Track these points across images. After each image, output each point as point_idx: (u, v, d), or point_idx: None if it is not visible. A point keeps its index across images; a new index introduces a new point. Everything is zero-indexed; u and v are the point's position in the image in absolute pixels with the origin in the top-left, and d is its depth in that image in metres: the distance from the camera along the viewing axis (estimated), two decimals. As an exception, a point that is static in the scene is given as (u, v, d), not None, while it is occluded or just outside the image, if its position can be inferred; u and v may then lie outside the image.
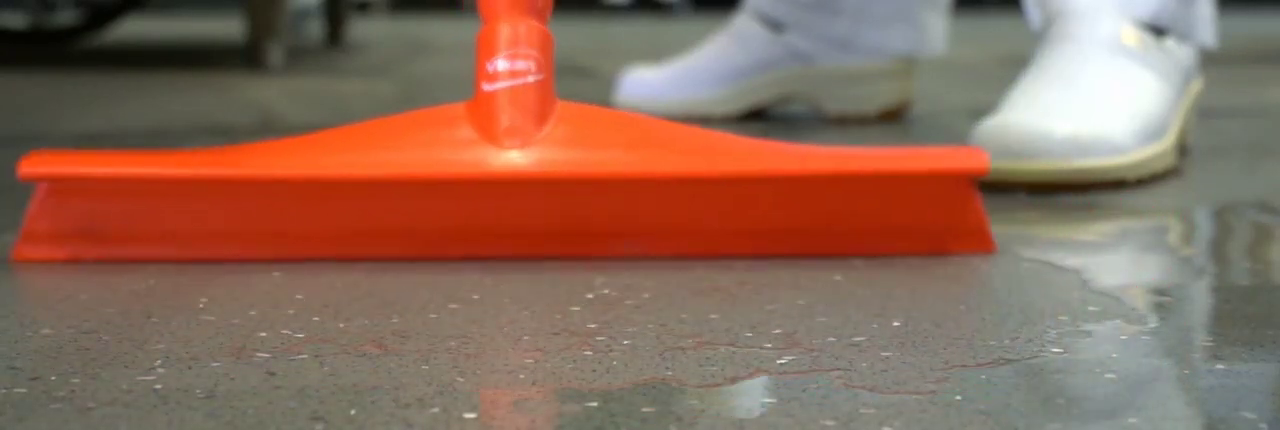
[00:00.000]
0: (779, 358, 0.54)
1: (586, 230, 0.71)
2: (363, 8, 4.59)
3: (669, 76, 1.41)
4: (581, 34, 3.33)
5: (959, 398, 0.49)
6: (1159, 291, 0.66)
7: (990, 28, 3.09)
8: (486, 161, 0.68)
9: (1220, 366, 0.53)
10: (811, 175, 0.70)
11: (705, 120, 1.38)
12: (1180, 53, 1.05)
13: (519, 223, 0.71)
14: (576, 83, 1.82)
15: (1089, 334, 0.58)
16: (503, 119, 0.69)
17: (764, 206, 0.71)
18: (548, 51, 0.71)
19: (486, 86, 0.70)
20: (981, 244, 0.72)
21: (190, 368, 0.53)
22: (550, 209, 0.70)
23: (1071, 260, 0.73)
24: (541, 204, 0.70)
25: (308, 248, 0.71)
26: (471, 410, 0.48)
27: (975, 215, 0.72)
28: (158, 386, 0.51)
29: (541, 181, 0.69)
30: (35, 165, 0.68)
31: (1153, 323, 0.60)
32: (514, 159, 0.69)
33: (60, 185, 0.69)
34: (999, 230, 0.83)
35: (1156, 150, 0.98)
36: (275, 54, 2.10)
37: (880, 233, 0.71)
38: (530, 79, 0.70)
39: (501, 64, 0.70)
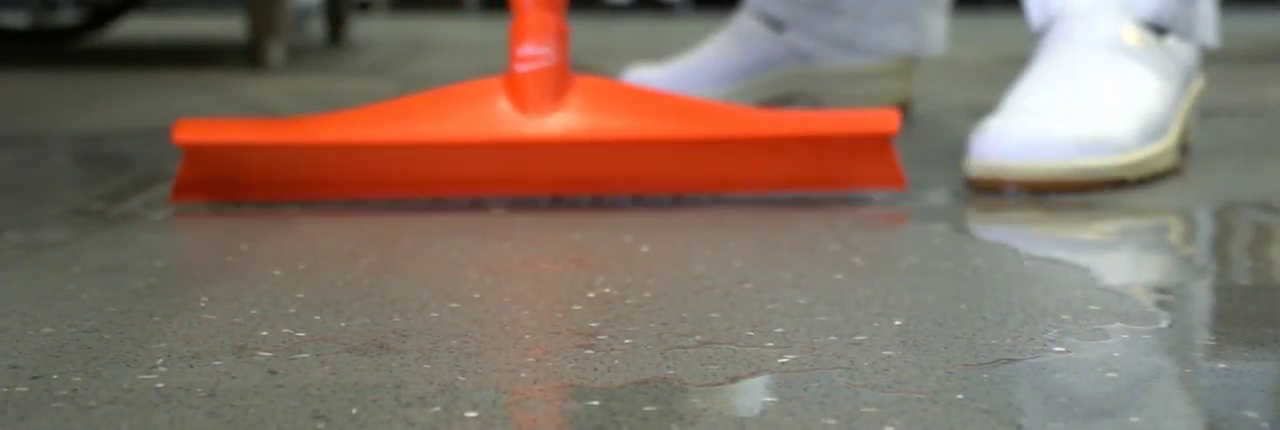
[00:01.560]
0: (780, 357, 0.54)
1: (593, 177, 0.91)
2: (363, 7, 4.59)
3: (670, 75, 1.41)
4: (583, 33, 3.32)
5: (960, 397, 0.49)
6: (1160, 290, 0.66)
7: (991, 27, 3.09)
8: (521, 128, 0.88)
9: (1222, 365, 0.53)
10: (761, 137, 0.89)
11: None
12: (1181, 52, 1.05)
13: (545, 172, 0.91)
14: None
15: (1090, 333, 0.58)
16: (531, 94, 0.89)
17: (723, 157, 0.90)
18: (563, 39, 0.90)
19: (519, 67, 0.89)
20: (894, 182, 0.91)
21: (192, 366, 0.53)
22: (567, 161, 0.90)
23: (1073, 259, 0.72)
24: (561, 158, 0.90)
25: (386, 191, 0.91)
26: (473, 409, 0.48)
27: (889, 162, 0.91)
28: (159, 385, 0.51)
29: (560, 144, 0.89)
30: (184, 134, 0.88)
31: (1154, 322, 0.60)
32: (539, 126, 0.88)
33: (200, 149, 0.88)
34: (1000, 230, 0.83)
35: (1157, 149, 0.98)
36: (276, 53, 2.10)
37: (815, 177, 0.92)
38: (549, 62, 0.89)
39: (528, 49, 0.89)
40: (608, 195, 0.91)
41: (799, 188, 0.92)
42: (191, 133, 0.89)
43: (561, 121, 0.89)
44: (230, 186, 0.90)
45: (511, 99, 0.89)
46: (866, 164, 0.90)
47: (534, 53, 0.88)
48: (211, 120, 0.90)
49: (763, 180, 0.91)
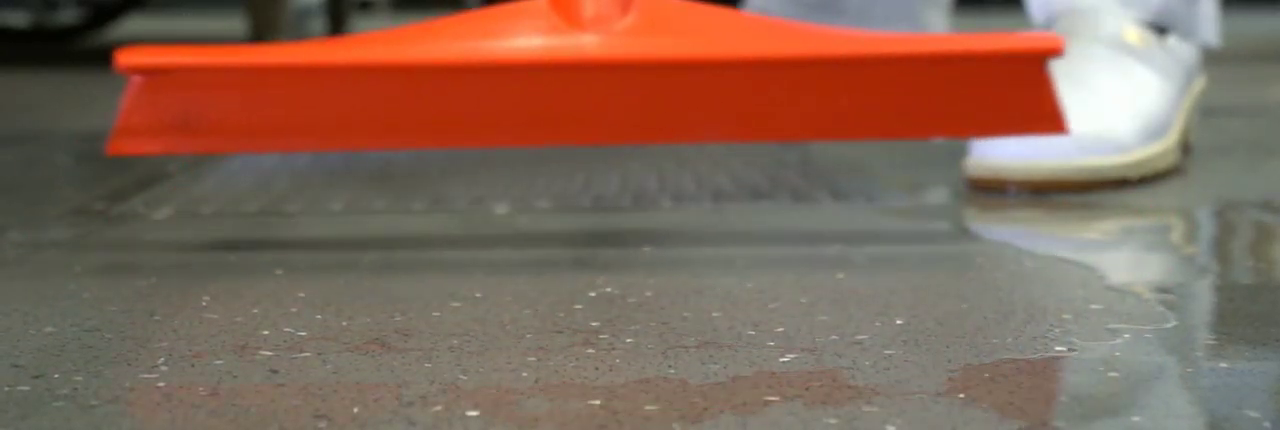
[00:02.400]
0: (781, 356, 0.54)
1: (672, 115, 0.73)
2: (365, 6, 4.59)
3: (671, 75, 1.41)
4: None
5: (962, 396, 0.49)
6: (1162, 290, 0.66)
7: (992, 27, 3.09)
8: (575, 44, 0.70)
9: (1223, 365, 0.53)
10: (892, 57, 0.71)
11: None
12: (1183, 51, 1.05)
13: (609, 109, 0.73)
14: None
15: (1092, 332, 0.58)
16: (587, 7, 0.71)
17: (847, 90, 0.72)
18: None
19: None
20: (1056, 126, 0.74)
21: (193, 365, 0.53)
22: (635, 94, 0.72)
23: (1074, 259, 0.72)
24: (627, 89, 0.72)
25: (393, 137, 0.74)
26: (474, 408, 0.48)
27: (1044, 94, 0.73)
28: (161, 384, 0.51)
29: (630, 65, 0.71)
30: (132, 58, 0.69)
31: (1156, 321, 0.60)
32: (601, 42, 0.70)
33: (154, 79, 0.69)
34: (1002, 229, 0.83)
35: (1159, 149, 0.98)
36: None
37: (955, 114, 0.74)
38: None
39: None
40: (686, 141, 0.80)
41: (928, 130, 0.75)
42: (142, 56, 0.69)
43: (625, 39, 0.71)
44: (192, 130, 0.71)
45: (562, 14, 0.71)
46: (1016, 95, 0.73)
47: None
48: (168, 45, 0.71)
49: (886, 119, 0.74)
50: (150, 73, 0.69)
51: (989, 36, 0.72)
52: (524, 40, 0.71)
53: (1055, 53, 0.71)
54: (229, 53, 0.70)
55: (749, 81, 0.72)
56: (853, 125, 0.74)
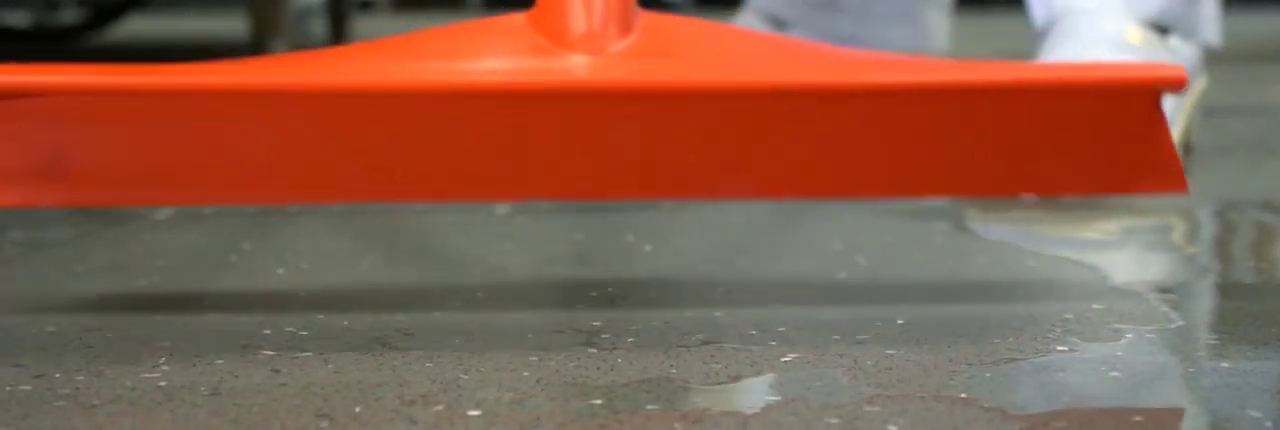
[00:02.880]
0: (783, 355, 0.54)
1: (686, 163, 0.58)
2: (366, 6, 4.60)
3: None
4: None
5: (964, 395, 0.49)
6: (1163, 290, 0.66)
7: (993, 26, 3.09)
8: (561, 69, 0.55)
9: (1225, 365, 0.53)
10: (959, 88, 0.56)
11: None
12: (1184, 51, 1.05)
13: (600, 153, 0.57)
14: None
15: (1094, 332, 0.58)
16: (576, 22, 0.56)
17: (917, 131, 0.57)
18: None
19: None
20: (1174, 183, 0.58)
21: (194, 365, 0.53)
22: (635, 134, 0.57)
23: (1076, 259, 0.72)
24: (627, 127, 0.56)
25: (326, 186, 0.57)
26: (475, 407, 0.48)
27: (1164, 143, 0.57)
28: (162, 384, 0.51)
29: (627, 93, 0.55)
30: None
31: (1157, 321, 0.60)
32: (594, 67, 0.55)
33: (8, 105, 0.54)
34: (1003, 229, 0.83)
35: (1160, 149, 0.98)
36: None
37: (1051, 166, 0.58)
38: None
39: None
40: (696, 197, 0.61)
41: (1002, 186, 0.59)
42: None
43: (626, 62, 0.56)
44: (63, 175, 0.56)
45: (545, 30, 0.57)
46: (1123, 144, 0.57)
47: None
48: (33, 64, 0.55)
49: (949, 171, 0.58)
50: (3, 96, 0.53)
51: (1083, 65, 0.57)
52: (495, 62, 0.56)
53: (1176, 85, 0.55)
54: (114, 71, 0.55)
55: (784, 118, 0.56)
56: (908, 178, 0.58)
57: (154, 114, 0.55)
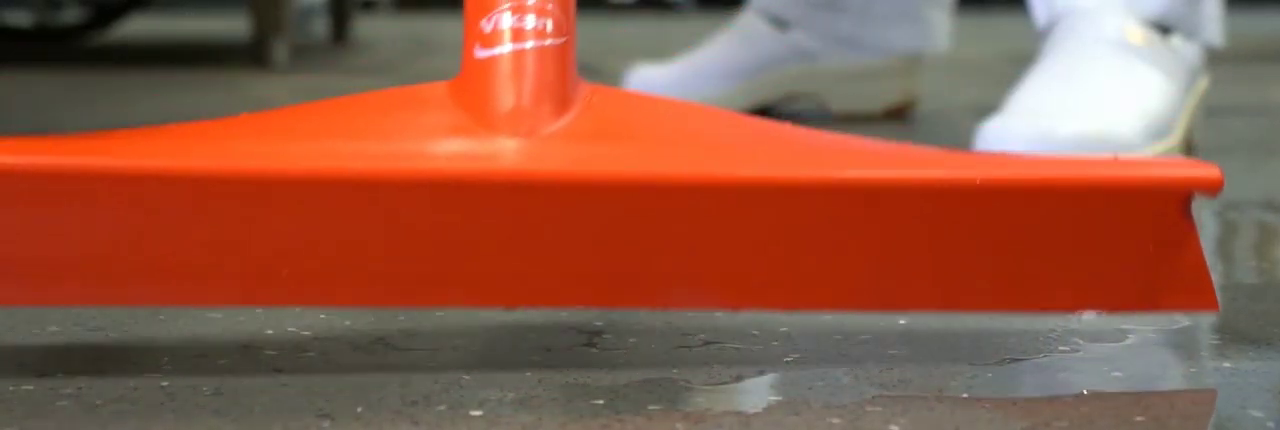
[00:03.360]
0: (785, 356, 0.54)
1: (621, 268, 0.50)
2: (368, 5, 4.60)
3: (674, 74, 1.41)
4: (587, 32, 3.33)
5: (966, 395, 0.49)
6: (1165, 289, 0.66)
7: (995, 25, 3.09)
8: (478, 154, 0.48)
9: (1227, 365, 0.53)
10: (952, 185, 0.48)
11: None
12: (1187, 51, 1.05)
13: (524, 253, 0.49)
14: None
15: (1096, 332, 0.58)
16: (504, 97, 0.48)
17: (893, 236, 0.50)
18: (570, 5, 0.51)
19: (481, 52, 0.50)
20: (1203, 300, 0.51)
21: (197, 365, 0.53)
22: (568, 233, 0.49)
23: (1077, 258, 0.72)
24: (555, 224, 0.49)
25: (197, 288, 0.49)
26: (478, 408, 0.48)
27: (1193, 255, 0.50)
28: (165, 384, 0.51)
29: (560, 185, 0.48)
30: None
31: (1159, 321, 0.60)
32: (522, 152, 0.48)
33: None
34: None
35: (1162, 149, 0.98)
36: (280, 52, 2.10)
37: (1058, 278, 0.51)
38: (547, 42, 0.49)
39: (505, 20, 0.49)
40: (646, 306, 0.55)
41: (1006, 302, 0.52)
42: None
43: (559, 147, 0.48)
44: None
45: (467, 108, 0.49)
46: (1149, 255, 0.50)
47: (514, 25, 0.49)
48: None
49: (940, 282, 0.51)
50: None
51: (1098, 160, 0.50)
52: (404, 144, 0.48)
53: (1213, 188, 0.48)
54: None
55: (745, 217, 0.49)
56: (887, 290, 0.51)
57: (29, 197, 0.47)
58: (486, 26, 0.50)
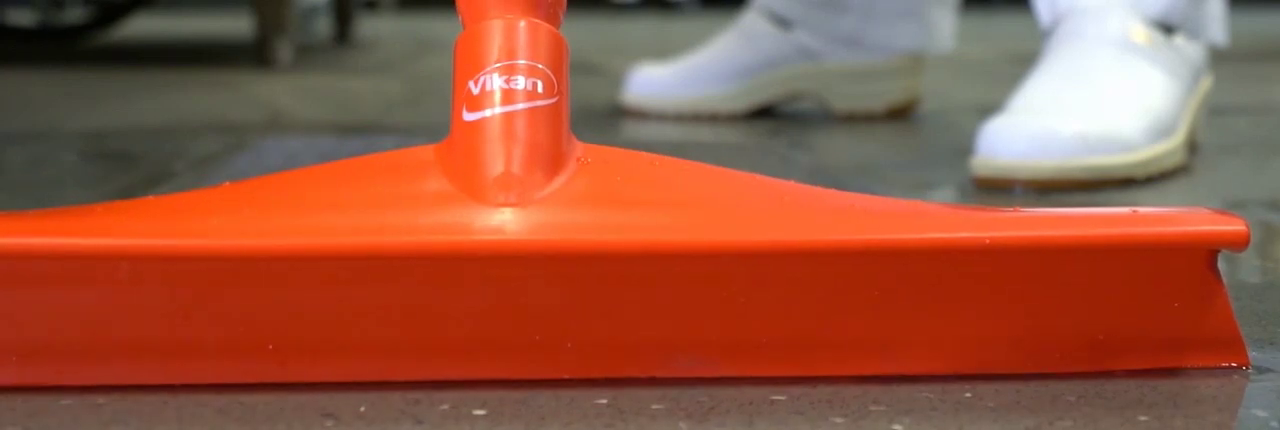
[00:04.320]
0: (788, 355, 0.54)
1: (617, 338, 0.48)
2: (371, 5, 4.60)
3: (677, 74, 1.41)
4: (589, 32, 3.33)
5: (968, 395, 0.49)
6: (1168, 289, 0.66)
7: (998, 25, 3.09)
8: (466, 226, 0.47)
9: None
10: (965, 247, 0.47)
11: (713, 118, 1.38)
12: (1190, 50, 1.05)
13: (511, 326, 0.48)
14: (584, 81, 1.83)
15: (1098, 331, 0.58)
16: (493, 163, 0.48)
17: (908, 299, 0.48)
18: (562, 64, 0.50)
19: (469, 115, 0.49)
20: (1234, 354, 0.51)
21: (200, 364, 0.53)
22: (561, 304, 0.48)
23: (1081, 258, 0.72)
24: (546, 295, 0.48)
25: (178, 368, 0.48)
26: (481, 407, 0.48)
27: (1221, 309, 0.50)
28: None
29: (549, 257, 0.46)
30: None
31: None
32: (508, 222, 0.47)
33: None
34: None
35: (1166, 148, 0.98)
36: (283, 51, 2.10)
37: (1077, 338, 0.49)
38: (537, 103, 0.49)
39: (494, 81, 0.49)
40: (647, 380, 0.50)
41: (1025, 364, 0.50)
42: None
43: (548, 217, 0.47)
44: None
45: (454, 175, 0.48)
46: (1177, 309, 0.49)
47: (504, 86, 0.49)
48: None
49: (942, 345, 0.49)
50: None
51: (1123, 216, 0.49)
52: (387, 216, 0.47)
53: (1240, 245, 0.48)
54: None
55: (748, 284, 0.48)
56: (894, 353, 0.49)
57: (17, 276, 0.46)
58: (475, 88, 0.49)
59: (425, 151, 0.49)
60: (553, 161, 0.48)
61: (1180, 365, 0.50)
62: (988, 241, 0.47)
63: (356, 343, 0.48)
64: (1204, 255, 0.48)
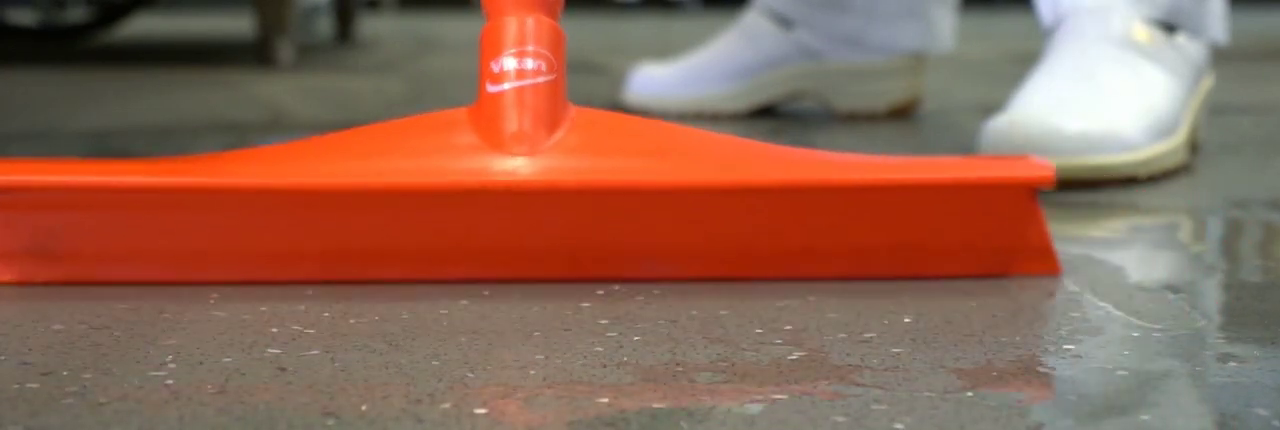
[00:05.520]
0: (790, 354, 0.54)
1: (601, 250, 0.65)
2: (372, 4, 4.60)
3: (678, 73, 1.41)
4: (591, 31, 3.33)
5: (970, 394, 0.49)
6: (1170, 288, 0.66)
7: (1000, 24, 3.09)
8: (489, 169, 0.63)
9: (1232, 364, 0.53)
10: (861, 186, 0.64)
11: (714, 117, 1.38)
12: (1191, 49, 1.05)
13: (524, 241, 0.65)
14: (586, 80, 1.82)
15: (1100, 331, 0.58)
16: (509, 123, 0.64)
17: (807, 222, 0.65)
18: (560, 49, 0.66)
19: (491, 87, 0.65)
20: (1048, 265, 0.67)
21: (202, 363, 0.53)
22: (561, 225, 0.65)
23: (1082, 257, 0.72)
24: (550, 219, 0.65)
25: (285, 269, 0.65)
26: (482, 406, 0.48)
27: (1038, 232, 0.66)
28: (169, 382, 0.51)
29: (551, 192, 0.64)
30: None
31: (1164, 320, 0.60)
32: (521, 167, 0.63)
33: (5, 197, 0.63)
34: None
35: (1168, 147, 0.98)
36: (285, 51, 2.10)
37: (933, 252, 0.66)
38: (540, 79, 0.65)
39: (509, 63, 0.65)
40: (623, 279, 0.66)
41: (897, 270, 0.66)
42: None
43: (553, 162, 0.64)
44: (51, 256, 0.65)
45: (481, 132, 0.65)
46: (998, 232, 0.66)
47: (518, 67, 0.65)
48: (27, 159, 0.67)
49: (839, 256, 0.66)
50: (9, 194, 0.63)
51: (968, 161, 0.66)
52: (431, 161, 0.64)
53: (1047, 184, 0.65)
54: (90, 170, 0.64)
55: (694, 211, 0.65)
56: (813, 261, 0.66)
57: (130, 206, 0.65)
58: (495, 68, 0.65)
59: (460, 113, 0.66)
60: (553, 122, 0.65)
61: (1006, 272, 0.67)
62: (872, 181, 0.65)
63: (412, 251, 0.65)
64: (1026, 191, 0.66)
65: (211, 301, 0.63)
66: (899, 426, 0.46)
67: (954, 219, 0.66)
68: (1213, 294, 0.65)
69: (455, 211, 0.65)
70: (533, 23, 0.66)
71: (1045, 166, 0.65)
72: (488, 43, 0.66)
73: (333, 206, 0.64)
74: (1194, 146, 1.07)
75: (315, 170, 0.64)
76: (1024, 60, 2.20)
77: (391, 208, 0.64)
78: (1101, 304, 0.62)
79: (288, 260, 0.65)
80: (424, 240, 0.65)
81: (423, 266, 0.65)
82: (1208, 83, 1.09)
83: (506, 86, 0.65)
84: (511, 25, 0.66)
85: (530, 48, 0.65)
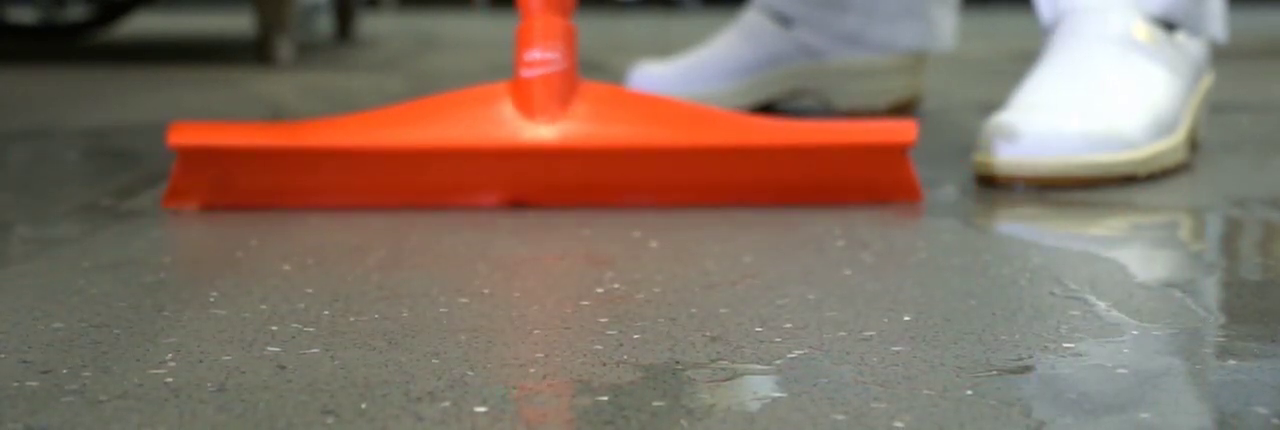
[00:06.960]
0: (789, 352, 0.54)
1: (597, 185, 0.89)
2: (372, 3, 4.60)
3: (678, 71, 1.41)
4: (592, 29, 3.33)
5: (970, 392, 0.49)
6: (1170, 287, 0.66)
7: (1000, 23, 3.09)
8: (524, 134, 0.87)
9: (1232, 362, 0.53)
10: (792, 146, 0.88)
11: (715, 115, 1.38)
12: (1191, 47, 1.05)
13: (549, 179, 0.89)
14: (589, 77, 1.83)
15: (1100, 329, 0.58)
16: (537, 100, 0.87)
17: (732, 168, 0.89)
18: (572, 43, 0.89)
19: (525, 73, 0.88)
20: (910, 193, 0.90)
21: (201, 361, 0.53)
22: (572, 169, 0.88)
23: (1082, 255, 0.72)
24: (566, 165, 0.88)
25: (385, 198, 0.89)
26: (482, 404, 0.48)
27: (907, 175, 0.89)
28: (169, 380, 0.51)
29: (565, 151, 0.87)
30: (179, 137, 0.86)
31: (1164, 318, 0.60)
32: (544, 133, 0.87)
33: (195, 153, 0.87)
34: (1009, 226, 0.83)
35: (1167, 145, 0.98)
36: (285, 49, 2.10)
37: (834, 186, 0.90)
38: (558, 68, 0.88)
39: (536, 54, 0.88)
40: (613, 204, 0.88)
41: (811, 199, 0.89)
42: (187, 135, 0.87)
43: (568, 128, 0.87)
44: (225, 191, 0.88)
45: (518, 105, 0.88)
46: (882, 175, 0.89)
47: (542, 57, 0.87)
48: (207, 123, 0.88)
49: (773, 191, 0.89)
50: (187, 149, 0.87)
51: (858, 127, 0.89)
52: (483, 128, 0.88)
53: (908, 146, 0.87)
54: (252, 134, 0.87)
55: (673, 162, 0.88)
56: (747, 194, 0.90)
57: (275, 159, 0.88)
58: (527, 57, 0.88)
59: (501, 87, 0.89)
60: (567, 97, 0.88)
61: (881, 200, 0.90)
62: (800, 142, 0.88)
63: (462, 189, 0.89)
64: (898, 149, 0.88)
65: (211, 300, 0.63)
66: (899, 425, 0.46)
67: (849, 165, 0.89)
68: (1212, 292, 0.65)
69: (497, 163, 0.88)
70: (553, 23, 0.88)
71: (908, 131, 0.88)
72: (522, 38, 0.89)
73: (421, 157, 0.87)
74: (1194, 145, 1.07)
75: (405, 134, 0.87)
76: (1024, 59, 2.20)
77: (461, 158, 0.87)
78: (1101, 302, 0.62)
79: (392, 192, 0.88)
80: (479, 178, 0.89)
81: (476, 195, 0.89)
82: (1207, 81, 1.09)
83: (535, 73, 0.88)
84: (538, 25, 0.88)
85: (551, 42, 0.88)
